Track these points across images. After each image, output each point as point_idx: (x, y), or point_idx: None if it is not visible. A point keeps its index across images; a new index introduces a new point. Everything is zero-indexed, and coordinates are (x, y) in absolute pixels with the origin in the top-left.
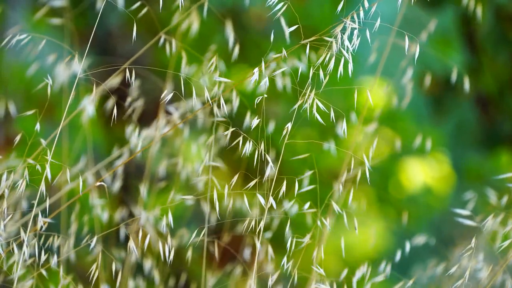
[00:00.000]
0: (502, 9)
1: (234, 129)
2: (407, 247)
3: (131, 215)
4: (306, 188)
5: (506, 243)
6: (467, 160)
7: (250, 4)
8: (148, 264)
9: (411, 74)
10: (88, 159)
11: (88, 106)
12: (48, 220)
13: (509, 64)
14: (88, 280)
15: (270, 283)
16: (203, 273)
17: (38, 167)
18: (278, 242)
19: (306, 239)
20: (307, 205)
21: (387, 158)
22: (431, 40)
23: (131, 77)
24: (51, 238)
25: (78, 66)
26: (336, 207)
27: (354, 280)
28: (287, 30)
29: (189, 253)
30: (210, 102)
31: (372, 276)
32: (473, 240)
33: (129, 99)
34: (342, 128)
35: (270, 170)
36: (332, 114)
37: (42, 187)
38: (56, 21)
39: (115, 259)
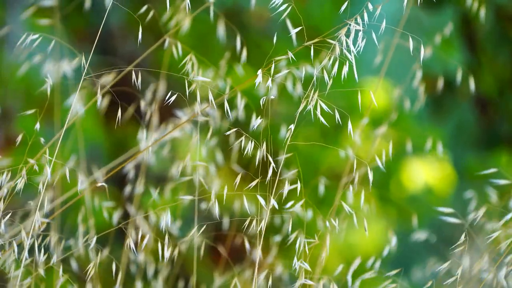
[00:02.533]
0: (502, 9)
1: (237, 129)
2: (394, 242)
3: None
4: (299, 187)
5: (494, 235)
6: (467, 160)
7: (250, 4)
8: (151, 265)
9: (420, 76)
10: (80, 158)
11: (78, 104)
12: (47, 220)
13: (509, 64)
14: (89, 281)
15: (270, 283)
16: (194, 271)
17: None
18: (281, 242)
19: (304, 240)
20: (298, 204)
21: (389, 158)
22: (431, 40)
23: (137, 79)
24: (50, 238)
25: (72, 65)
26: (347, 208)
27: (349, 275)
28: (293, 31)
29: (183, 251)
30: (214, 103)
31: (374, 276)
32: (462, 237)
33: (131, 100)
34: (348, 129)
35: (274, 171)
36: (337, 115)
37: (41, 186)
38: (45, 21)
39: (115, 260)
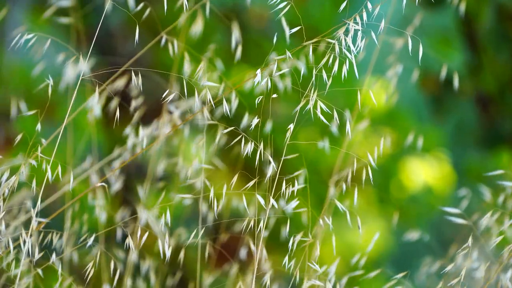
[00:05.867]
0: (502, 8)
1: (232, 128)
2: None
3: (130, 214)
4: (299, 186)
5: (498, 239)
6: (468, 159)
7: (250, 4)
8: (146, 264)
9: (418, 75)
10: (93, 159)
11: (95, 106)
12: (45, 220)
13: (509, 64)
14: (86, 280)
15: (267, 282)
16: (198, 273)
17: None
18: (273, 240)
19: (298, 238)
20: (295, 203)
21: (388, 157)
22: (431, 39)
23: (136, 78)
24: (49, 237)
25: (83, 66)
26: (340, 205)
27: (346, 277)
28: (289, 32)
29: (182, 254)
30: (212, 102)
31: (372, 276)
32: (470, 239)
33: (132, 101)
34: (346, 129)
35: (272, 170)
36: (336, 115)
37: (35, 185)
38: (63, 20)
39: (115, 258)
